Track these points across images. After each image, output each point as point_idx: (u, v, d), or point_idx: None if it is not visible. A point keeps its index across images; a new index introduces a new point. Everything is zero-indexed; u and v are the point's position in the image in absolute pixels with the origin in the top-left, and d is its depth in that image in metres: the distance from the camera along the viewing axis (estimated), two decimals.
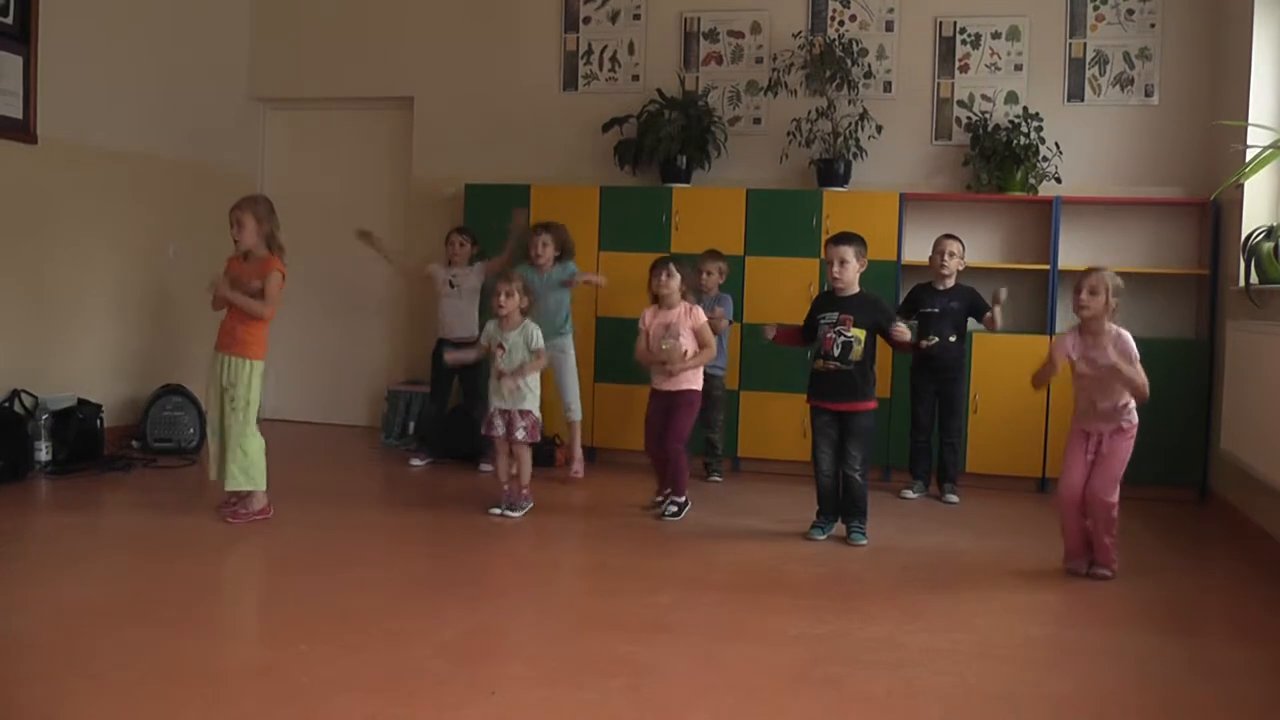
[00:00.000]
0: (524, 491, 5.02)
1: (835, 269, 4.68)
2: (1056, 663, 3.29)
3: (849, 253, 4.67)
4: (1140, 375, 4.04)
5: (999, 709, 2.92)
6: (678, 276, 5.00)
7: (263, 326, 4.76)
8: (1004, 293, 5.47)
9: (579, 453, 5.90)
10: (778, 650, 3.30)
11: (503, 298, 4.94)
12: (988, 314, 5.54)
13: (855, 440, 4.67)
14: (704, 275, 5.77)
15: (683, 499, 5.04)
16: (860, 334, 4.62)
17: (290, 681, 2.90)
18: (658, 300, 5.05)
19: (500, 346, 4.96)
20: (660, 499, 5.10)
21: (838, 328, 4.64)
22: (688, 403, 5.03)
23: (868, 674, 3.11)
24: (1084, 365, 4.16)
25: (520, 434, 4.95)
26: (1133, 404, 4.14)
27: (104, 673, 2.92)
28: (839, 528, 4.78)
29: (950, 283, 5.65)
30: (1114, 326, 4.13)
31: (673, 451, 5.02)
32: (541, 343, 4.99)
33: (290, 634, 3.28)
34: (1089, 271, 4.20)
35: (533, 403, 5.00)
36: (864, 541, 4.65)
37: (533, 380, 4.98)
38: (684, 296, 5.04)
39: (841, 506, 4.75)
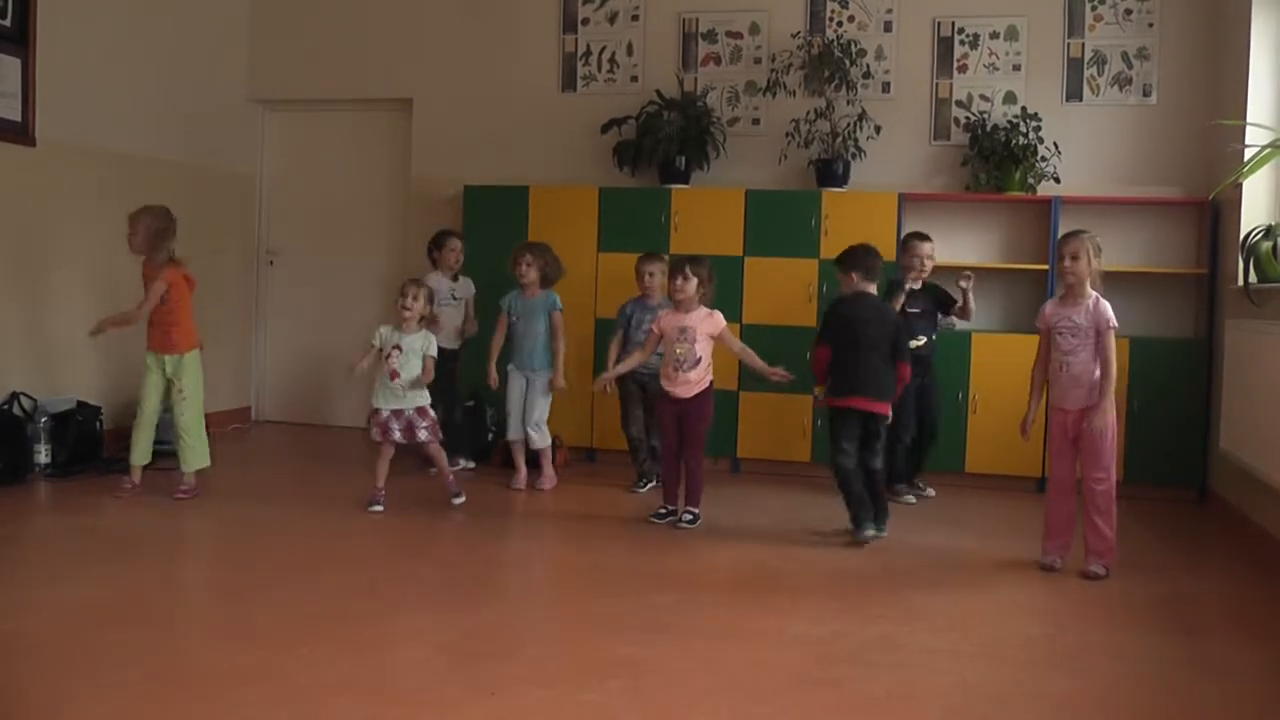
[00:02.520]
0: (450, 480, 5.14)
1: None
2: (1056, 663, 3.28)
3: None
4: (1110, 353, 4.16)
5: (998, 709, 2.92)
6: (694, 280, 4.88)
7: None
8: (969, 281, 5.57)
9: (549, 470, 5.73)
10: (777, 651, 3.31)
11: (409, 300, 5.04)
12: (957, 305, 5.64)
13: (878, 438, 4.72)
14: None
15: (698, 509, 4.93)
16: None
17: (290, 683, 2.90)
18: (676, 304, 4.97)
19: (397, 348, 5.03)
20: (665, 510, 4.98)
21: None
22: (703, 409, 4.93)
23: (867, 674, 3.11)
24: (1062, 327, 4.26)
25: (423, 435, 5.07)
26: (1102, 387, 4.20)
27: (103, 674, 2.92)
28: (843, 523, 4.74)
29: (921, 282, 5.65)
30: (1094, 293, 4.24)
31: (692, 461, 4.94)
32: (436, 351, 5.11)
33: (290, 636, 3.28)
34: (1068, 237, 4.30)
35: (422, 400, 5.09)
36: (882, 534, 4.68)
37: (417, 381, 5.07)
38: (703, 299, 4.95)
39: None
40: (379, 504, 5.01)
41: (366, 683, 2.92)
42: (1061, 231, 5.94)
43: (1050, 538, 4.35)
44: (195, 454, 5.18)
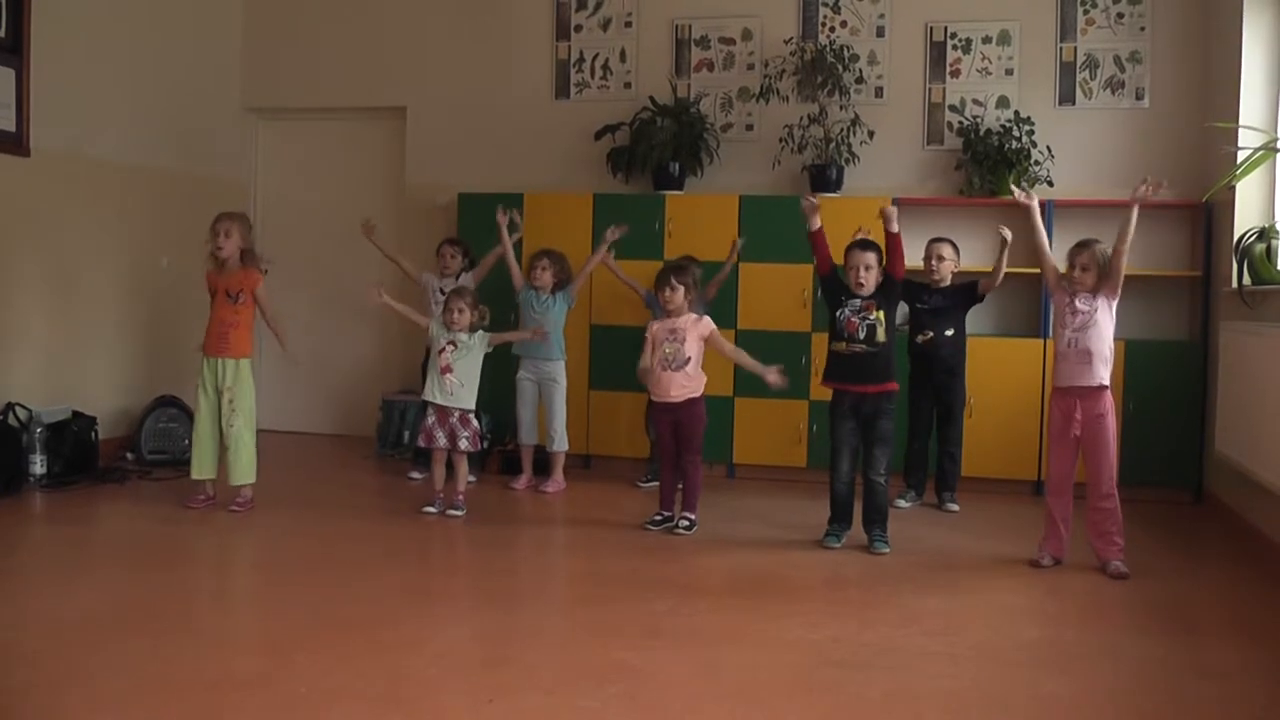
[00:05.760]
0: (460, 496, 5.13)
1: (860, 274, 4.66)
2: (1054, 665, 3.28)
3: (873, 259, 4.69)
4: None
5: (997, 711, 2.92)
6: (681, 289, 4.93)
7: (251, 328, 5.17)
8: (1007, 232, 5.42)
9: (559, 475, 5.81)
10: (775, 655, 3.30)
11: (455, 314, 5.14)
12: (995, 265, 5.51)
13: (881, 444, 4.66)
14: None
15: (695, 514, 4.94)
16: (881, 316, 4.67)
17: (288, 691, 2.89)
18: (667, 314, 4.98)
19: (452, 344, 5.12)
20: (661, 516, 4.98)
21: (861, 313, 4.67)
22: (697, 413, 4.95)
23: (865, 678, 3.11)
24: (1074, 307, 4.36)
25: (464, 444, 5.13)
26: (1110, 367, 4.29)
27: (100, 684, 2.92)
28: (856, 536, 4.71)
29: (945, 284, 5.60)
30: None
31: (690, 467, 4.96)
32: (486, 344, 5.21)
33: (287, 644, 3.27)
34: (1081, 246, 4.40)
35: (470, 404, 5.13)
36: (887, 550, 4.59)
37: (470, 383, 5.13)
38: (690, 307, 4.98)
39: (864, 513, 4.69)
40: (433, 506, 5.13)
41: (364, 690, 2.91)
42: (1055, 235, 5.98)
43: (1044, 546, 4.38)
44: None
